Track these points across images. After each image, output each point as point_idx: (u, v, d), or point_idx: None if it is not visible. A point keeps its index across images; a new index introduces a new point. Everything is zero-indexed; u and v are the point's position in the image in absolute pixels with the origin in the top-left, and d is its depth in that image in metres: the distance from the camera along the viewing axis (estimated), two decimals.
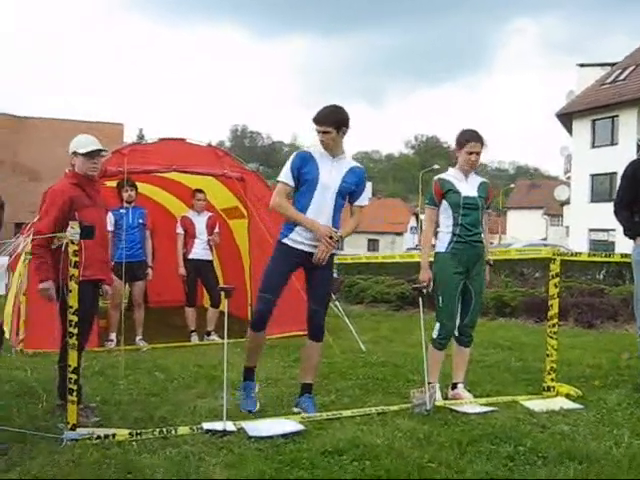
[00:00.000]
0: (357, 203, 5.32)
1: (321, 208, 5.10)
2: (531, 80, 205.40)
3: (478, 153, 5.56)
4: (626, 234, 6.17)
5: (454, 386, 5.69)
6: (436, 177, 5.74)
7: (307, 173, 5.11)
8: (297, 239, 5.12)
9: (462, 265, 5.51)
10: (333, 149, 5.16)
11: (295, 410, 5.22)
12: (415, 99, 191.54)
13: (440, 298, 5.53)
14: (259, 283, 5.31)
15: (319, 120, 5.10)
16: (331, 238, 5.05)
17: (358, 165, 5.37)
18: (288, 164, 5.19)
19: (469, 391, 5.67)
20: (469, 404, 5.37)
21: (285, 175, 5.17)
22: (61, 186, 5.12)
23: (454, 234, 5.50)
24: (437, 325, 5.59)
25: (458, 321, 5.63)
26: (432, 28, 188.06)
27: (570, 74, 41.86)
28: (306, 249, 5.11)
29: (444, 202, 5.57)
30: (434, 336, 5.60)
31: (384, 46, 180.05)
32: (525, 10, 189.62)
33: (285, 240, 5.17)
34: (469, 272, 5.55)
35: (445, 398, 5.59)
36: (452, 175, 5.66)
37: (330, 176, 5.13)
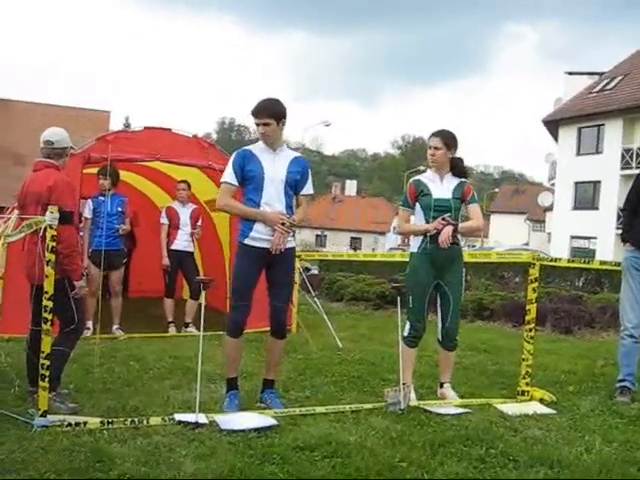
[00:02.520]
0: (303, 192, 5.32)
1: (272, 201, 5.11)
2: (524, 86, 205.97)
3: (437, 148, 5.54)
4: (621, 236, 6.28)
5: (441, 385, 5.74)
6: (412, 179, 5.73)
7: (251, 170, 5.11)
8: (257, 236, 5.09)
9: (434, 266, 5.51)
10: (274, 142, 5.18)
11: (260, 406, 5.21)
12: (407, 100, 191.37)
13: (410, 298, 5.54)
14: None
15: (258, 112, 5.11)
16: (283, 224, 5.03)
17: (299, 155, 5.41)
18: (230, 164, 5.19)
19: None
20: (444, 405, 5.38)
21: (229, 176, 5.16)
22: (67, 178, 5.17)
23: (426, 235, 5.50)
24: (407, 324, 5.61)
25: (440, 326, 5.64)
26: (431, 29, 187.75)
27: (560, 81, 42.02)
28: (267, 245, 5.08)
29: (417, 204, 5.59)
30: (405, 334, 5.62)
31: (380, 46, 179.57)
32: (524, 15, 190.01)
33: (246, 241, 5.14)
34: (443, 274, 5.54)
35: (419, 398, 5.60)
36: (427, 177, 5.66)
37: (275, 168, 5.14)
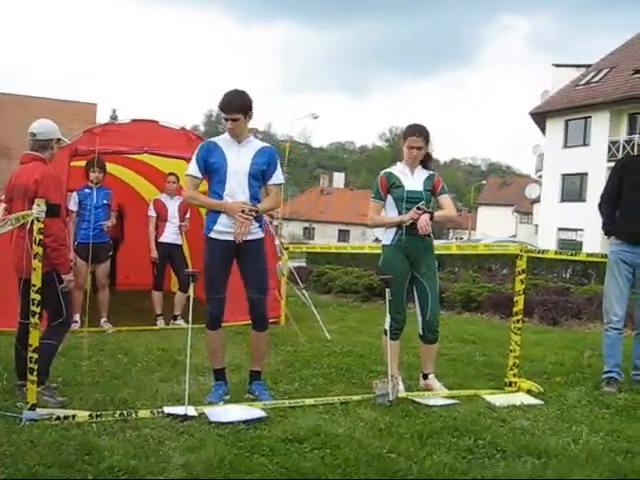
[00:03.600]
0: (271, 182, 5.24)
1: (235, 193, 5.08)
2: (514, 78, 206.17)
3: (419, 148, 5.54)
4: (603, 229, 6.24)
5: (425, 376, 5.74)
6: (383, 171, 5.73)
7: (214, 162, 5.09)
8: (221, 229, 5.08)
9: (408, 257, 5.54)
10: (240, 134, 5.15)
11: (248, 397, 5.22)
12: (396, 92, 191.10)
13: (388, 291, 5.55)
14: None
15: (226, 108, 5.07)
16: (243, 212, 4.98)
17: (267, 145, 5.35)
18: (194, 157, 5.18)
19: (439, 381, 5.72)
20: (432, 396, 5.40)
21: (192, 168, 5.16)
22: (54, 172, 5.11)
23: (399, 227, 5.51)
24: (387, 317, 5.58)
25: (420, 319, 5.65)
26: (422, 21, 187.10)
27: (547, 74, 42.09)
28: (231, 237, 5.05)
29: (389, 196, 5.60)
30: (386, 327, 5.61)
31: (370, 38, 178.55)
32: (517, 7, 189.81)
33: (211, 234, 5.14)
34: (418, 265, 5.56)
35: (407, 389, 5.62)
36: (398, 169, 5.67)
37: (238, 160, 5.10)
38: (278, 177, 5.28)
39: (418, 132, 5.59)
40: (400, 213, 5.53)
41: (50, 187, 4.92)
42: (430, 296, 5.57)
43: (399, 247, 5.54)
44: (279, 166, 5.33)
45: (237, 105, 5.07)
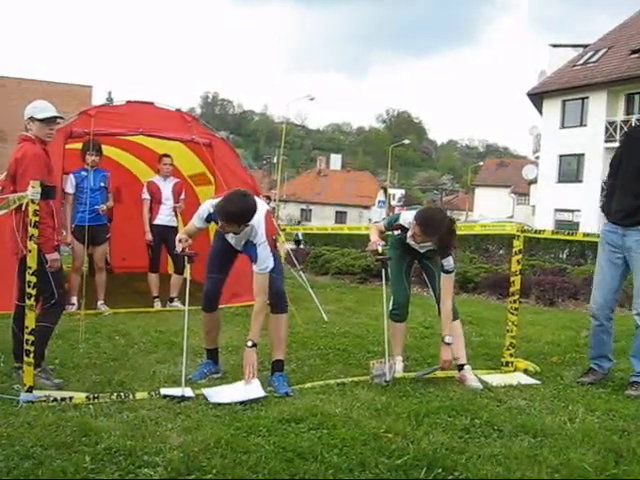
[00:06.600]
0: (255, 269, 4.97)
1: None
2: (514, 58, 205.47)
3: (423, 240, 5.28)
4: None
5: (460, 368, 5.50)
6: (401, 223, 5.51)
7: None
8: None
9: (409, 249, 5.59)
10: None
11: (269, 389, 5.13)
12: (394, 73, 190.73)
13: (390, 272, 5.63)
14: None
15: (234, 223, 4.80)
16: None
17: (253, 241, 4.99)
18: (204, 214, 5.12)
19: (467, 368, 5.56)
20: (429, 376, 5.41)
21: (198, 220, 5.16)
22: (37, 150, 5.01)
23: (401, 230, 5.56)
24: (391, 298, 5.70)
25: (435, 300, 5.63)
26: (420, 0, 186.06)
27: (544, 54, 41.90)
28: None
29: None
30: (390, 308, 5.69)
31: (370, 16, 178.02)
32: None
33: None
34: (421, 253, 5.62)
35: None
36: (410, 235, 5.39)
37: (234, 239, 5.12)
38: (260, 266, 4.93)
39: (427, 233, 5.20)
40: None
41: (30, 166, 4.87)
42: (437, 274, 5.54)
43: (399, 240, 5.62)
44: (261, 255, 4.91)
45: (244, 220, 4.80)
